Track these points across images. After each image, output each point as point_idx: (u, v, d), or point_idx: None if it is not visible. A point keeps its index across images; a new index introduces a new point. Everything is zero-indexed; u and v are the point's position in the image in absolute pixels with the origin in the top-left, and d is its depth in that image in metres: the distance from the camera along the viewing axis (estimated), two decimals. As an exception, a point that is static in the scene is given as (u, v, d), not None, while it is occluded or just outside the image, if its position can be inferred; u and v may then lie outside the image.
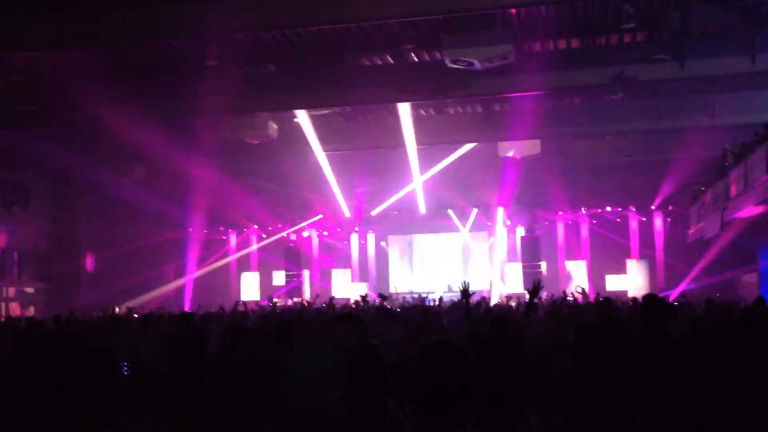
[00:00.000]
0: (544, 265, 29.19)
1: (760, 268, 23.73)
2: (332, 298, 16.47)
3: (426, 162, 25.50)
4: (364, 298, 16.68)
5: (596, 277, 29.07)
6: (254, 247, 33.01)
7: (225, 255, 32.72)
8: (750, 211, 17.05)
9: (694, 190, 24.83)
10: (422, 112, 22.44)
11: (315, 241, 32.68)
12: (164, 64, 17.78)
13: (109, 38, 15.46)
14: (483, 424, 7.63)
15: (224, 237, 33.12)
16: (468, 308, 8.05)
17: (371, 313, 13.72)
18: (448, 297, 25.22)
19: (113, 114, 18.47)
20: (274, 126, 20.55)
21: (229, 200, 27.45)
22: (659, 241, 28.78)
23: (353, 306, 17.57)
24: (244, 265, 33.01)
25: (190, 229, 31.47)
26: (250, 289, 32.37)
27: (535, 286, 7.73)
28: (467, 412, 2.48)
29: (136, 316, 15.58)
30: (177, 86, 18.52)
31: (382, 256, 32.98)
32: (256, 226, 32.52)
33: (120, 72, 17.89)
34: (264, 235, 32.89)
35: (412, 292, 27.62)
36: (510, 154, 24.17)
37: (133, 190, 24.67)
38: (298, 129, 22.58)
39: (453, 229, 31.47)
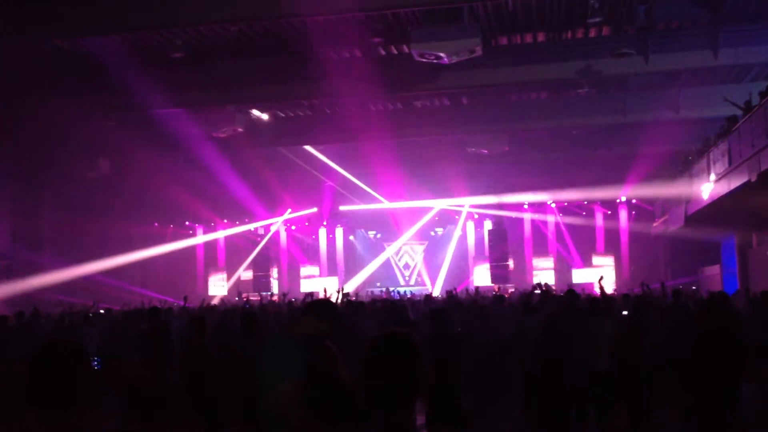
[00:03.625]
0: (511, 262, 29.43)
1: (722, 261, 24.15)
2: (285, 294, 16.44)
3: (394, 154, 25.45)
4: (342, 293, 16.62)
5: (562, 270, 29.34)
6: (221, 238, 32.79)
7: (192, 250, 32.42)
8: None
9: (659, 183, 25.14)
10: (390, 105, 22.43)
11: (283, 235, 32.55)
12: (128, 56, 17.53)
13: (71, 30, 15.22)
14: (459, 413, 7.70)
15: (191, 232, 32.84)
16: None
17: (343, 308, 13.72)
18: (418, 291, 25.34)
19: (75, 108, 18.24)
20: (241, 119, 20.39)
21: (196, 195, 27.22)
22: (624, 235, 29.11)
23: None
24: (210, 259, 32.79)
25: (156, 224, 31.20)
26: (217, 284, 32.18)
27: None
28: (414, 398, 2.57)
29: (102, 311, 15.42)
30: (142, 79, 18.32)
31: (350, 250, 32.96)
32: (225, 221, 32.32)
33: (81, 65, 17.67)
34: (231, 230, 32.70)
35: (381, 287, 27.65)
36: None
37: (97, 184, 24.35)
38: (265, 122, 22.46)
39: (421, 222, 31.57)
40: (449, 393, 7.36)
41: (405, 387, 2.52)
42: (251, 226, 32.22)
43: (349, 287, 26.26)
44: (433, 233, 32.43)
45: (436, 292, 25.86)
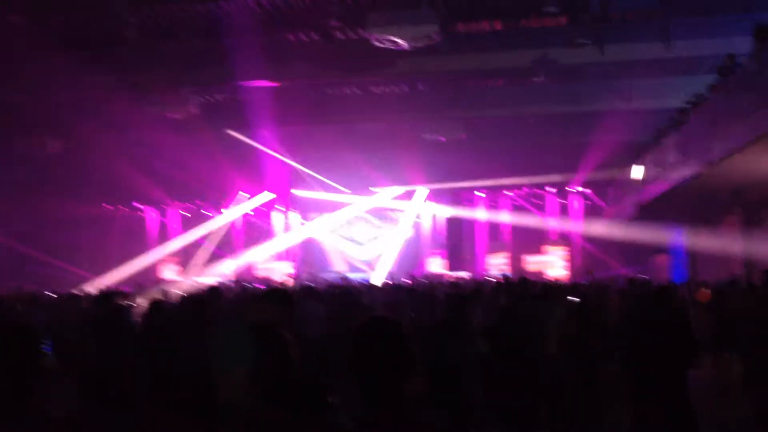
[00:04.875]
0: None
1: (671, 250, 24.60)
2: (238, 280, 16.35)
3: (350, 140, 25.37)
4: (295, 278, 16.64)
5: (516, 258, 29.61)
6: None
7: (143, 233, 31.97)
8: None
9: (611, 172, 25.48)
10: (346, 90, 22.35)
11: (238, 219, 32.27)
12: (82, 34, 17.20)
13: (27, 5, 14.88)
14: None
15: (143, 215, 32.39)
16: None
17: (295, 291, 13.69)
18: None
19: (26, 85, 17.87)
20: (195, 101, 20.14)
21: (148, 176, 26.82)
22: (577, 223, 29.47)
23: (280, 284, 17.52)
24: (163, 244, 32.34)
25: (105, 205, 30.69)
26: (170, 269, 31.77)
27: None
28: (404, 383, 2.55)
29: (55, 295, 15.15)
30: (96, 58, 17.99)
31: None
32: (178, 203, 31.93)
33: (35, 42, 17.26)
34: (188, 214, 32.31)
35: (339, 273, 27.63)
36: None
37: (46, 163, 23.85)
38: (221, 104, 22.24)
39: (376, 208, 31.56)
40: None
41: (390, 369, 2.50)
42: (207, 212, 31.86)
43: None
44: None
45: (380, 280, 25.67)
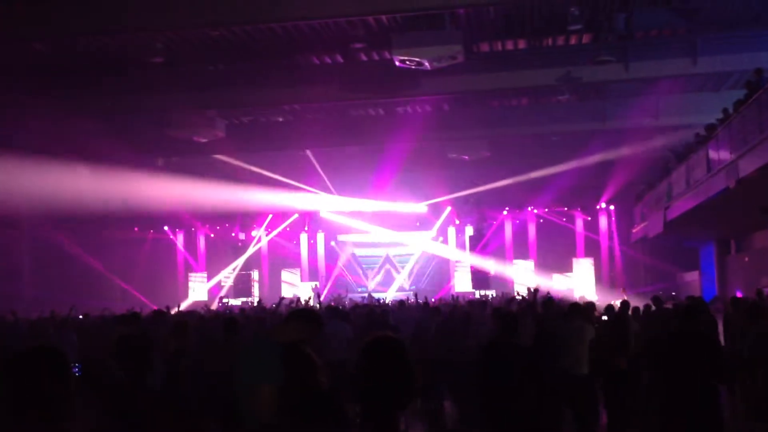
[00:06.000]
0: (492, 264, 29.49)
1: (700, 266, 24.35)
2: (282, 298, 16.46)
3: (375, 160, 25.44)
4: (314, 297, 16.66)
5: (543, 275, 29.40)
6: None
7: (172, 255, 32.18)
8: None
9: (638, 189, 25.31)
10: (371, 111, 22.44)
11: (264, 240, 32.41)
12: (108, 60, 17.43)
13: (51, 32, 15.09)
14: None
15: (171, 237, 32.63)
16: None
17: (321, 311, 13.72)
18: (400, 296, 25.29)
19: (53, 112, 18.10)
20: (221, 124, 20.32)
21: (177, 200, 27.00)
22: (604, 240, 29.25)
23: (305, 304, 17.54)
24: (191, 265, 32.55)
25: (136, 229, 30.97)
26: (197, 290, 31.93)
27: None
28: (406, 400, 2.62)
29: (81, 317, 15.30)
30: (122, 83, 18.23)
31: (331, 255, 32.87)
32: (205, 226, 32.13)
33: (60, 68, 17.54)
34: (212, 235, 32.51)
35: (362, 292, 27.65)
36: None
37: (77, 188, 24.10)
38: (246, 127, 22.40)
39: (403, 227, 31.55)
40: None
41: (394, 388, 2.52)
42: (232, 233, 32.03)
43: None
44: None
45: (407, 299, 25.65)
